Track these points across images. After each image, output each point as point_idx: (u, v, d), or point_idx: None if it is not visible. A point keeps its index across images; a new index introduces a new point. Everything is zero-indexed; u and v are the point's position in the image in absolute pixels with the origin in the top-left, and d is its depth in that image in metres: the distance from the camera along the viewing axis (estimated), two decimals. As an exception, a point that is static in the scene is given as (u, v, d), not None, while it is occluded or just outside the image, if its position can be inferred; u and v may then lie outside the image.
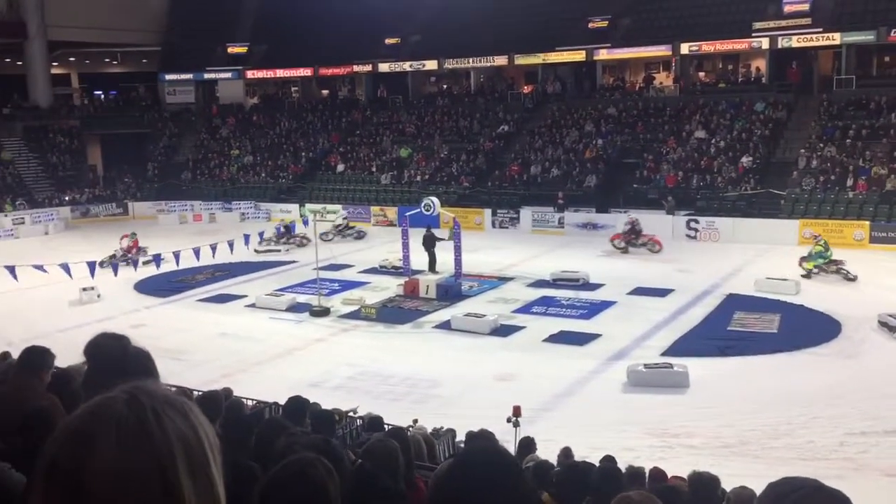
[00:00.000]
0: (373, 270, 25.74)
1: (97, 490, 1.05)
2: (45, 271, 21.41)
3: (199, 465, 1.11)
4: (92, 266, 21.85)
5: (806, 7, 34.41)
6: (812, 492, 1.38)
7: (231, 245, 24.27)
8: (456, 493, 1.48)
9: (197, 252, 23.44)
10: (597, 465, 6.66)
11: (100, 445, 1.06)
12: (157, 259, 23.74)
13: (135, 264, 25.10)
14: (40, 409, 3.40)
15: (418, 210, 25.14)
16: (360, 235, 32.21)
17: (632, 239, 27.68)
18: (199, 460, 1.11)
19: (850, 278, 22.39)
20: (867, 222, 27.71)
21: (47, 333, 17.78)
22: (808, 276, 22.70)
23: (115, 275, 23.49)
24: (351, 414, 10.70)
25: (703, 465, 7.05)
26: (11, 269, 20.45)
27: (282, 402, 8.46)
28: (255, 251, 27.99)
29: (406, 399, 14.70)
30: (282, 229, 30.59)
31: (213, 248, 23.74)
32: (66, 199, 39.63)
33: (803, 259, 23.30)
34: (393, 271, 24.93)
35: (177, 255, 23.47)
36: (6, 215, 36.21)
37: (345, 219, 32.88)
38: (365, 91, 46.68)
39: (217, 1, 47.91)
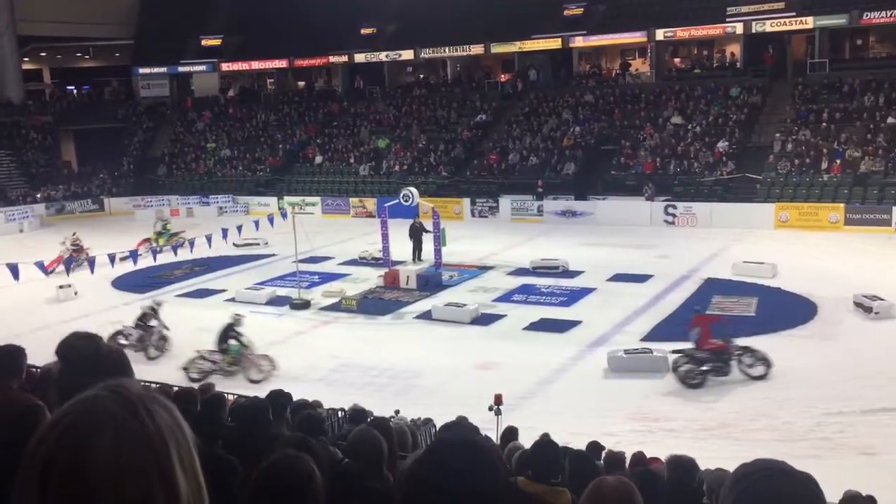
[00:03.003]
0: (353, 262, 25.70)
1: (98, 485, 1.07)
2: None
3: (187, 457, 1.16)
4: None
5: (780, -9, 34.61)
6: (774, 473, 1.42)
7: (209, 239, 24.10)
8: (427, 482, 1.49)
9: (175, 248, 23.27)
10: (573, 449, 6.71)
11: (98, 442, 1.08)
12: (134, 255, 23.54)
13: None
14: (31, 406, 3.31)
15: (397, 201, 25.09)
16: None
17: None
18: (187, 453, 1.16)
19: (182, 242, 26.12)
20: (842, 205, 28.01)
21: (24, 332, 17.58)
22: (160, 250, 26.18)
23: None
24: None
25: (684, 449, 7.12)
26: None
27: (263, 396, 8.45)
28: (234, 245, 27.81)
29: (387, 390, 14.70)
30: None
31: (192, 242, 23.58)
32: (40, 196, 39.17)
33: (148, 240, 27.95)
34: (373, 262, 24.90)
35: (154, 251, 23.28)
36: (-20, 214, 35.79)
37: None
38: (341, 82, 46.46)
39: (190, -7, 47.46)
